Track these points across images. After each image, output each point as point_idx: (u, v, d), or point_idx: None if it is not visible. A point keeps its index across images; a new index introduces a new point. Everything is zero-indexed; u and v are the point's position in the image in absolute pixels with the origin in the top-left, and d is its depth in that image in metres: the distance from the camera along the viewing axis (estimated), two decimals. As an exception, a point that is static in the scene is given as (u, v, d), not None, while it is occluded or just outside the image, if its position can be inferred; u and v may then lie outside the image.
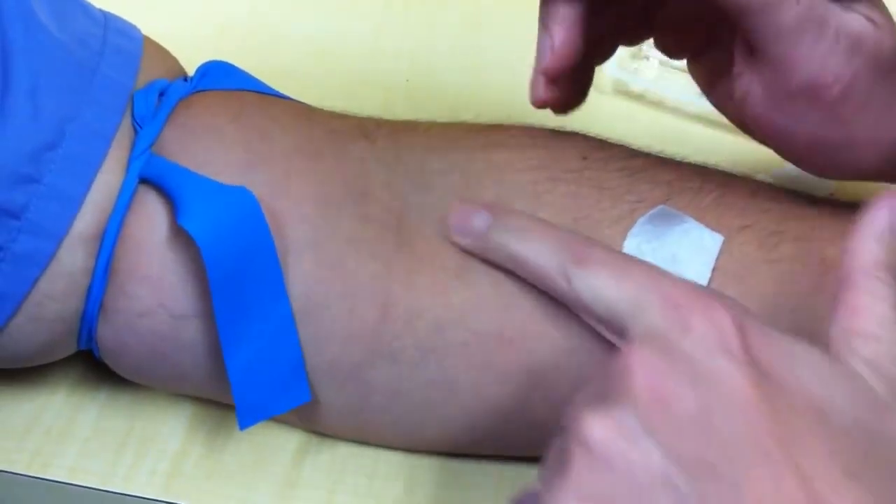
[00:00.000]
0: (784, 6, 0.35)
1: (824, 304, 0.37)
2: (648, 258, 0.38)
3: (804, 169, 0.39)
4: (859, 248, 0.33)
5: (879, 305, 0.32)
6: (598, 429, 0.28)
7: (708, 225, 0.39)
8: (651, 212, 0.39)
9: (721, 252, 0.38)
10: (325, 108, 0.43)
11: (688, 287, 0.32)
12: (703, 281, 0.38)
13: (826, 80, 0.35)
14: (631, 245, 0.38)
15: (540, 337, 0.38)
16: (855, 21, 0.36)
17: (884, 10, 0.36)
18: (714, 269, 0.38)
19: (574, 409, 0.30)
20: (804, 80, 0.36)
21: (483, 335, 0.38)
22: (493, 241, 0.37)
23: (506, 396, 0.38)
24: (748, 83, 0.37)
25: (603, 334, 0.35)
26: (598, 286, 0.34)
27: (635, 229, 0.39)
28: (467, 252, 0.38)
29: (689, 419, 0.28)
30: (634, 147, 0.41)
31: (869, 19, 0.36)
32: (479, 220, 0.38)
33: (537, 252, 0.36)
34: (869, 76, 0.36)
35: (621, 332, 0.33)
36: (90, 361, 0.42)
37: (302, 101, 0.43)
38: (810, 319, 0.38)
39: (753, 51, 0.36)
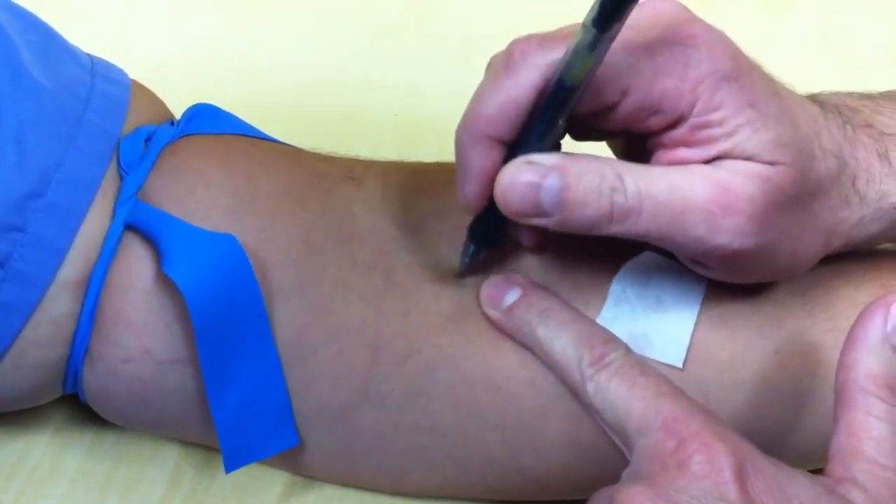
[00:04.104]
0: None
1: (807, 349, 0.38)
2: (634, 304, 0.38)
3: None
4: (854, 360, 0.32)
5: (878, 426, 0.31)
6: None
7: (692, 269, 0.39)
8: (637, 257, 0.39)
9: (705, 296, 0.38)
10: (314, 145, 0.43)
11: (691, 415, 0.32)
12: (689, 326, 0.38)
13: (724, 254, 0.35)
14: (616, 290, 0.39)
15: (528, 384, 0.38)
16: (748, 181, 0.34)
17: (789, 140, 0.35)
18: (698, 313, 0.38)
19: None
20: (702, 256, 0.35)
21: (470, 379, 0.38)
22: (518, 320, 0.37)
23: (492, 442, 0.38)
24: None
25: (610, 436, 0.35)
26: (610, 394, 0.34)
27: (621, 274, 0.39)
28: (494, 324, 0.38)
29: None
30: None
31: (771, 163, 0.34)
32: (509, 296, 0.38)
33: (557, 341, 0.36)
34: (777, 223, 0.35)
35: (626, 443, 0.34)
36: (76, 403, 0.41)
37: (290, 135, 0.43)
38: (793, 360, 0.38)
39: None
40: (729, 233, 0.34)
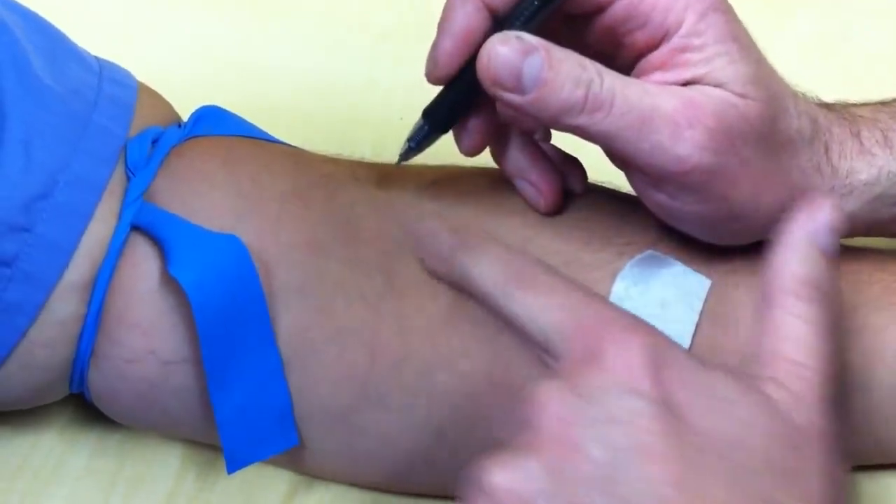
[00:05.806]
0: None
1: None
2: (636, 302, 0.38)
3: (701, 238, 0.39)
4: (779, 261, 0.32)
5: (801, 327, 0.31)
6: (501, 479, 0.29)
7: (697, 269, 0.39)
8: (639, 256, 0.39)
9: (709, 296, 0.39)
10: (318, 146, 0.43)
11: (606, 314, 0.32)
12: (691, 325, 0.38)
13: (683, 167, 0.35)
14: (619, 288, 0.39)
15: (528, 380, 0.38)
16: (715, 101, 0.35)
17: (764, 82, 0.36)
18: (702, 313, 0.38)
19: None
20: (661, 169, 0.35)
21: (471, 378, 0.38)
22: (452, 262, 0.37)
23: (495, 441, 0.38)
24: (618, 164, 0.38)
25: (543, 359, 0.35)
26: (533, 308, 0.34)
27: (623, 273, 0.39)
28: (432, 274, 0.38)
29: (591, 472, 0.28)
30: (623, 189, 0.42)
31: (741, 95, 0.35)
32: (442, 241, 0.38)
33: (485, 271, 0.36)
34: (739, 150, 0.35)
35: (555, 357, 0.33)
36: (81, 402, 0.42)
37: (294, 137, 0.43)
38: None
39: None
40: (689, 144, 0.35)
